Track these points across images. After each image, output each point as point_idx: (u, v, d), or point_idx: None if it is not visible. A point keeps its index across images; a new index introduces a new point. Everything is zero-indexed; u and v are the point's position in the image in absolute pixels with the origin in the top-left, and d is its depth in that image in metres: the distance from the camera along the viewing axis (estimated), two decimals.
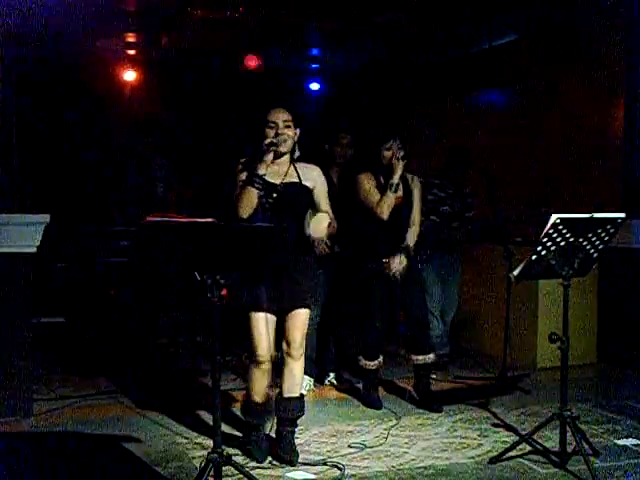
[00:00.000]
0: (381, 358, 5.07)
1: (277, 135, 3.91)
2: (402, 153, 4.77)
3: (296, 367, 4.06)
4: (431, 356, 5.00)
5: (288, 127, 3.97)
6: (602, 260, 4.97)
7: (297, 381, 4.09)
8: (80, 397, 5.14)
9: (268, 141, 3.87)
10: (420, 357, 4.97)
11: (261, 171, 3.87)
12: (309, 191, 4.02)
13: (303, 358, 4.11)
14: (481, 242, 6.20)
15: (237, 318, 4.21)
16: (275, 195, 3.91)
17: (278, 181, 3.95)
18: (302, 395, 4.14)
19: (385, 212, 4.81)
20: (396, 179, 4.77)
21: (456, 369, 6.05)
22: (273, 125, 3.94)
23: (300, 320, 4.03)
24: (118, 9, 6.81)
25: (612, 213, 3.90)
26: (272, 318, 3.99)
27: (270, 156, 3.89)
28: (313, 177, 4.05)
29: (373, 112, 8.89)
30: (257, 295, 3.92)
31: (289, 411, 4.05)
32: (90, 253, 6.00)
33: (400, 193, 4.89)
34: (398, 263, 4.89)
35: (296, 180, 3.99)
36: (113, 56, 7.99)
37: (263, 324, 3.94)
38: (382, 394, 5.23)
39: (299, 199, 3.99)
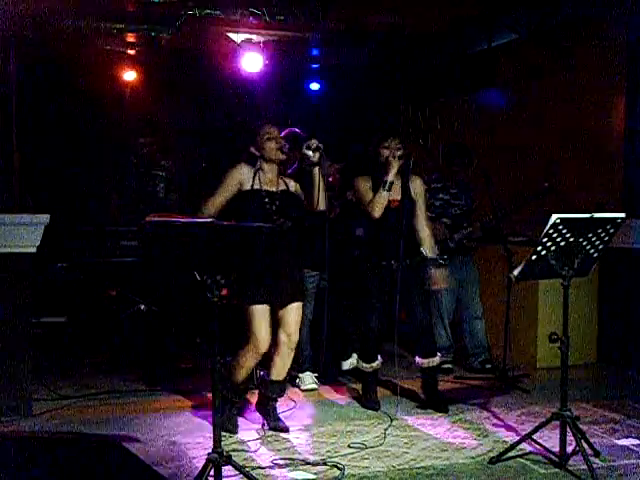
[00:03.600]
0: (379, 360, 5.03)
1: (280, 145, 4.39)
2: (400, 153, 4.71)
3: (289, 356, 4.51)
4: (436, 359, 4.93)
5: (282, 139, 4.46)
6: (602, 260, 4.99)
7: (286, 367, 4.54)
8: (80, 397, 5.14)
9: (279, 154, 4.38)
10: (425, 360, 4.91)
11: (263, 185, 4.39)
12: (297, 196, 4.48)
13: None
14: (481, 242, 6.19)
15: (237, 317, 4.28)
16: (277, 203, 4.37)
17: (275, 189, 4.41)
18: (285, 378, 4.59)
19: (375, 210, 4.74)
20: (390, 177, 4.70)
21: (456, 369, 6.04)
22: (272, 138, 4.40)
23: (298, 313, 4.47)
24: (119, 8, 6.80)
25: (612, 213, 3.90)
26: (268, 309, 4.37)
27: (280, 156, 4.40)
28: (294, 185, 4.51)
29: (372, 113, 8.90)
30: (257, 290, 4.30)
31: (276, 392, 4.56)
32: (90, 253, 5.99)
33: (397, 196, 4.82)
34: (439, 277, 4.91)
35: (285, 188, 4.46)
36: (114, 55, 7.98)
37: (262, 316, 4.33)
38: (383, 394, 5.23)
39: (294, 204, 4.42)
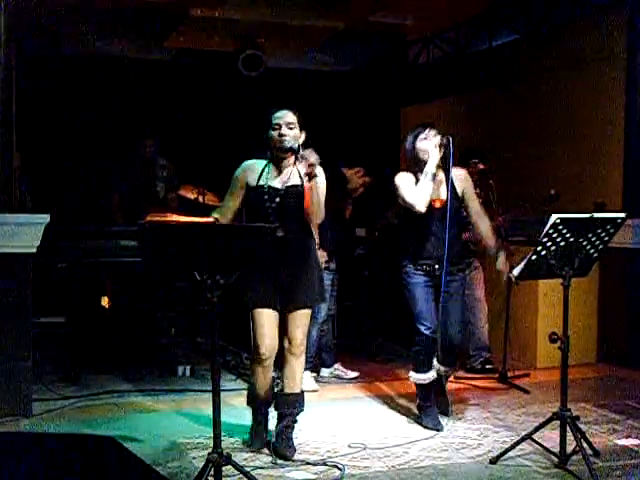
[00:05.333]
0: (437, 370, 4.61)
1: (280, 135, 3.97)
2: (438, 140, 4.32)
3: (297, 364, 4.13)
4: (451, 370, 4.78)
5: (291, 129, 3.99)
6: (602, 260, 4.99)
7: (297, 378, 4.15)
8: (80, 397, 5.14)
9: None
10: (442, 368, 4.66)
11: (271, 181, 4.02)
12: (302, 194, 4.01)
13: (304, 355, 4.18)
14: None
15: (237, 318, 4.25)
16: (278, 200, 3.99)
17: (281, 185, 4.01)
18: (302, 391, 4.19)
19: (419, 203, 4.28)
20: (430, 166, 4.30)
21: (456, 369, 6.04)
22: (277, 127, 3.99)
23: (302, 318, 4.08)
24: (119, 9, 6.82)
25: (612, 213, 3.90)
26: (275, 315, 4.05)
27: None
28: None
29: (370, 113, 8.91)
30: (260, 293, 4.00)
31: (289, 407, 4.12)
32: (90, 253, 5.97)
33: (442, 196, 4.41)
34: (503, 263, 4.59)
35: (298, 182, 4.01)
36: (115, 55, 8.00)
37: (266, 322, 4.02)
38: (384, 393, 5.23)
39: (301, 200, 3.98)
